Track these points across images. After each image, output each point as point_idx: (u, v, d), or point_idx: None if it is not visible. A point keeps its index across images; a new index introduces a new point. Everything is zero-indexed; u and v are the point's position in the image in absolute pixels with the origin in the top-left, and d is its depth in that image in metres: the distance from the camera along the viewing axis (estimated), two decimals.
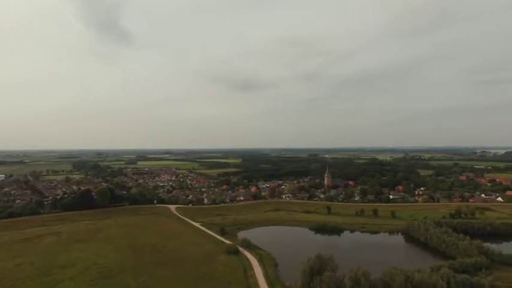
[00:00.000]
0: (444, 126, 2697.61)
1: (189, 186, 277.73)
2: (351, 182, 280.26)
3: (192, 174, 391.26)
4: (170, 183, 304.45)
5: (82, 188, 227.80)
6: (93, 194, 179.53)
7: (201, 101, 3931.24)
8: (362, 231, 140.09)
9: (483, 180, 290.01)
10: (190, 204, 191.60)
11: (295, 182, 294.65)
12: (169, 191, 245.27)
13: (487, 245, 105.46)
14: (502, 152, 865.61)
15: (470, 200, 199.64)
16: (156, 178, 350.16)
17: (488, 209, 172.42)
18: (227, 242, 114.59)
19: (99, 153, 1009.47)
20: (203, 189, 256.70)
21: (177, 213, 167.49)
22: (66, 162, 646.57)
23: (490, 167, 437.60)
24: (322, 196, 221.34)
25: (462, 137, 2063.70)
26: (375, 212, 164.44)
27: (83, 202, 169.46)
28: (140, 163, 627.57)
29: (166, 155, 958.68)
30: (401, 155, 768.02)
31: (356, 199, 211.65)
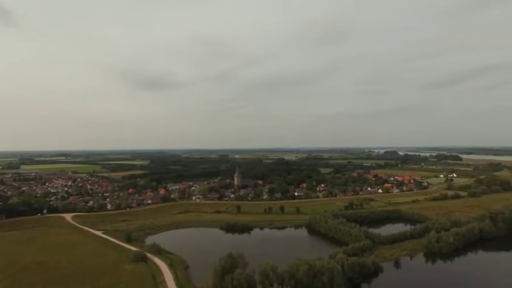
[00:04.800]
0: (341, 130, 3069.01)
1: (90, 192, 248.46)
2: (259, 182, 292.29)
3: (93, 178, 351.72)
4: (65, 189, 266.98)
5: None
6: None
7: (105, 98, 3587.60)
8: (270, 228, 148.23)
9: (369, 176, 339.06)
10: (91, 212, 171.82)
11: (206, 182, 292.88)
12: (64, 198, 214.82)
13: (371, 230, 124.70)
14: (382, 151, 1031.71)
15: (360, 193, 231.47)
16: (47, 184, 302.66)
17: (372, 200, 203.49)
18: (134, 249, 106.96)
19: None
20: (106, 194, 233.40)
21: (74, 223, 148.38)
22: None
23: (374, 164, 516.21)
24: (232, 196, 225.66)
25: (355, 139, 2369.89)
26: (282, 208, 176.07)
27: None
28: (25, 167, 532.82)
29: (61, 158, 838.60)
30: (305, 155, 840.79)
31: (264, 197, 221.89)
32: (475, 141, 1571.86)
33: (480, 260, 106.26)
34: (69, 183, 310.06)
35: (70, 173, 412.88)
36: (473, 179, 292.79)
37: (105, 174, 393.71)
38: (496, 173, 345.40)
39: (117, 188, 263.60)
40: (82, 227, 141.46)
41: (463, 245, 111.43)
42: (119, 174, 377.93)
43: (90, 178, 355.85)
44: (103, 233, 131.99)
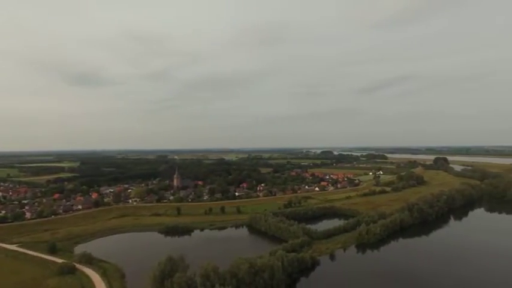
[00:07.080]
0: (280, 130, 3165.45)
1: (1, 200, 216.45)
2: (199, 182, 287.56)
3: (6, 184, 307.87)
4: None
5: None
6: None
7: (22, 92, 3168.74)
8: (211, 229, 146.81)
9: (307, 175, 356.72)
10: (3, 223, 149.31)
11: (143, 184, 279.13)
12: None
13: (309, 226, 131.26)
14: (319, 151, 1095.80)
15: (299, 192, 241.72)
16: None
17: (310, 198, 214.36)
18: (60, 260, 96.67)
19: None
20: (24, 201, 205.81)
21: None
22: None
23: (311, 164, 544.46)
24: (171, 198, 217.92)
25: (293, 139, 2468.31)
26: (222, 209, 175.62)
27: None
28: None
29: None
30: (245, 155, 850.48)
31: (205, 198, 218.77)
32: (397, 142, 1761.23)
33: (400, 246, 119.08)
34: None
35: None
36: (395, 175, 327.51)
37: (24, 179, 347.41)
38: (412, 170, 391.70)
39: (39, 194, 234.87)
40: None
41: (387, 234, 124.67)
42: (42, 178, 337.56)
43: (2, 184, 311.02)
44: (19, 246, 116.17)
